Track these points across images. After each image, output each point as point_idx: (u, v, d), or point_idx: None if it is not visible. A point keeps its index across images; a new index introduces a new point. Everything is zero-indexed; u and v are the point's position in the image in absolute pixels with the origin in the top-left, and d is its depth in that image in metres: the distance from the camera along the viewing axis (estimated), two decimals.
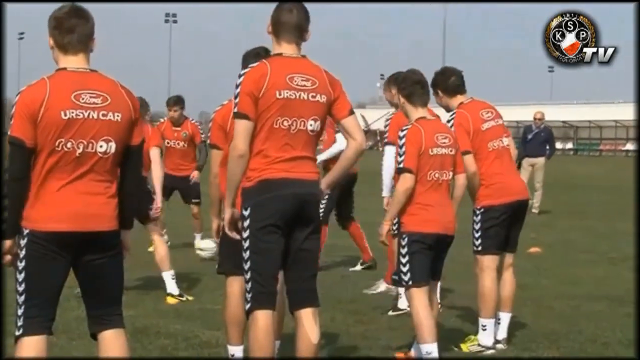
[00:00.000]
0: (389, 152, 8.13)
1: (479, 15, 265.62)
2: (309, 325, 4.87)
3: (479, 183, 6.54)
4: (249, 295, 4.84)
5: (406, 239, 5.88)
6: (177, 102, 11.85)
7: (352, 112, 5.00)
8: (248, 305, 4.84)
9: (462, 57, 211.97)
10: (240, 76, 4.83)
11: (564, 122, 72.06)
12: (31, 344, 4.26)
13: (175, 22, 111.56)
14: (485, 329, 6.60)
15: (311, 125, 4.86)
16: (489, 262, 6.61)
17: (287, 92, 4.79)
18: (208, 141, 5.78)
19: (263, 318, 4.80)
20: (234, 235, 4.93)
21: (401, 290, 8.02)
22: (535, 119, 18.37)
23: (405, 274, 5.86)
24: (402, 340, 6.75)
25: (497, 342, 6.66)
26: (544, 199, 18.56)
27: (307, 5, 5.01)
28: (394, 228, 9.55)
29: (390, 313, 7.91)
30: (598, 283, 9.97)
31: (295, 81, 4.82)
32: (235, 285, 5.55)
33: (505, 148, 6.70)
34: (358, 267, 10.44)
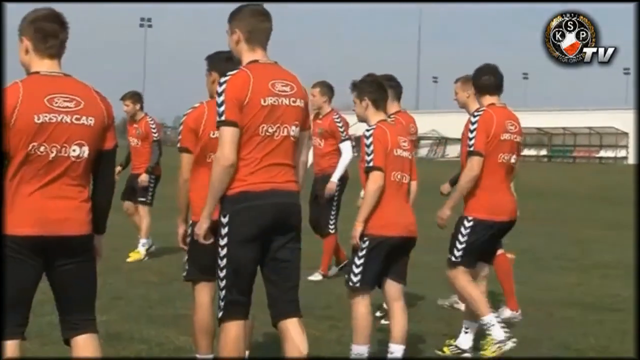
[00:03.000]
0: None
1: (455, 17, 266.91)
2: (297, 336, 4.82)
3: (473, 190, 6.47)
4: (221, 304, 4.81)
5: (367, 242, 5.85)
6: (125, 96, 11.53)
7: (309, 127, 5.03)
8: (220, 314, 4.81)
9: (436, 63, 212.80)
10: (221, 84, 4.71)
11: (538, 128, 72.39)
12: (4, 348, 4.24)
13: (150, 26, 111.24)
14: (467, 332, 6.67)
15: (293, 130, 4.81)
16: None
17: (270, 99, 4.72)
18: (178, 144, 5.68)
19: (234, 328, 4.78)
20: (206, 242, 4.87)
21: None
22: None
23: (356, 275, 5.89)
24: (376, 345, 6.77)
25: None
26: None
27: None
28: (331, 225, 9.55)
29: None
30: (570, 290, 10.04)
31: (277, 87, 4.76)
32: (203, 294, 5.51)
33: (510, 165, 6.57)
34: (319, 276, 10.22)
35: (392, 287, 6.00)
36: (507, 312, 8.02)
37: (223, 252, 4.75)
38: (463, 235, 6.50)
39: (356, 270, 5.89)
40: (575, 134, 76.82)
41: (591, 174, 44.79)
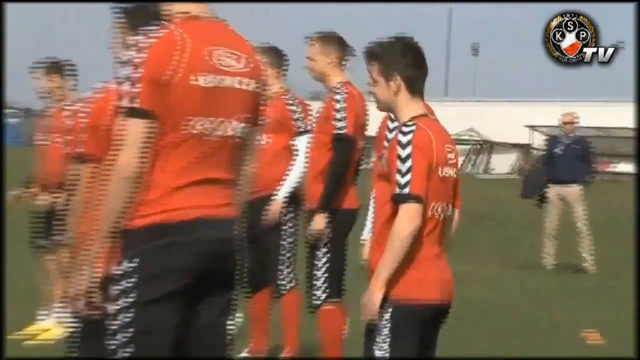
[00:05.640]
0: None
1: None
2: None
3: None
4: None
5: (390, 312, 3.62)
6: None
7: (263, 121, 3.44)
8: None
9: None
10: (140, 49, 3.03)
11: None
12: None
13: None
14: None
15: (241, 128, 3.22)
16: None
17: (209, 77, 3.10)
18: None
19: None
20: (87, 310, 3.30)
21: None
22: (563, 123, 12.28)
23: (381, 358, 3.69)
24: None
25: None
26: (599, 248, 12.03)
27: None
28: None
29: None
30: None
31: (220, 59, 3.14)
32: None
33: None
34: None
35: None
36: None
37: (127, 317, 3.06)
38: None
39: (380, 352, 3.65)
40: None
41: None
